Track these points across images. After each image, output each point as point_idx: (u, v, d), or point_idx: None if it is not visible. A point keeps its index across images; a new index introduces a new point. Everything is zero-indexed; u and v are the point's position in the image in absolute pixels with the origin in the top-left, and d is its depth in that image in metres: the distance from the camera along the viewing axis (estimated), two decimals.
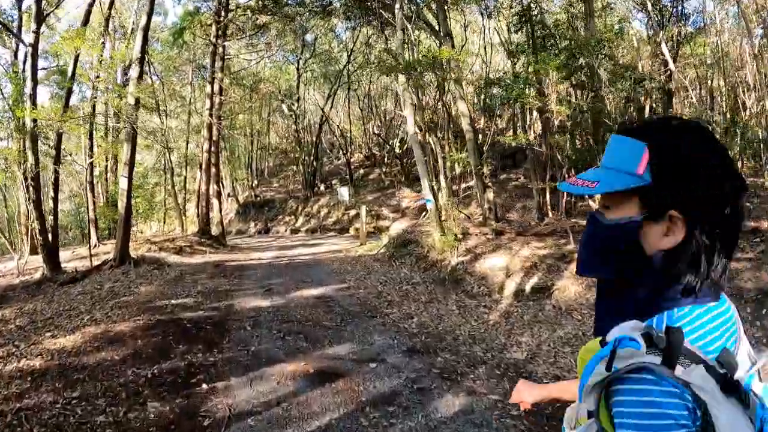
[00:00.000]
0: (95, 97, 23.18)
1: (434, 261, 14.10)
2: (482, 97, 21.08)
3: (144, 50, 17.17)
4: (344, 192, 31.73)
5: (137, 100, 16.44)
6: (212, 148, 25.06)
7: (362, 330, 8.62)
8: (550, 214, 17.07)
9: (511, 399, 1.87)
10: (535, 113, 21.16)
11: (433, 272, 13.52)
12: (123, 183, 16.38)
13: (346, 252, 19.64)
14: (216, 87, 24.89)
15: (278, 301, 10.75)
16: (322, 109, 36.06)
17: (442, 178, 20.34)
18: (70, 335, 8.52)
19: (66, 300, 11.85)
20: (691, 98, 20.49)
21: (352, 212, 31.08)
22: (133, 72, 17.08)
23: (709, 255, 1.13)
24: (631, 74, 15.24)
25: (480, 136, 19.91)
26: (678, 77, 18.98)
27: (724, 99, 20.58)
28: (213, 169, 25.73)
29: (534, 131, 22.74)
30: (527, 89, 14.81)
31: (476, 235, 15.37)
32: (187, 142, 33.07)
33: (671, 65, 17.72)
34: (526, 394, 1.83)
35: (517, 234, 14.88)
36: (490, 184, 18.12)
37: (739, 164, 14.43)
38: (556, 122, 15.28)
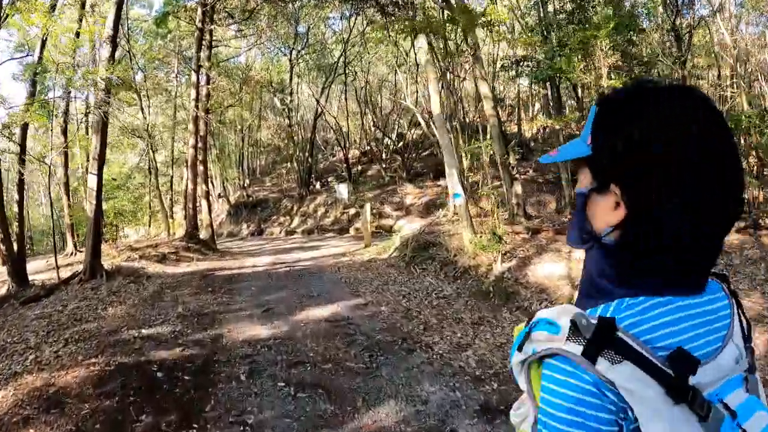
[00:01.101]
0: (69, 89, 20.40)
1: (465, 267, 11.53)
2: (511, 74, 18.19)
3: (117, 26, 14.46)
4: (343, 189, 28.99)
5: (108, 85, 13.70)
6: (199, 144, 22.37)
7: (404, 373, 6.07)
8: None
9: None
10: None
11: (467, 282, 10.97)
12: (91, 181, 13.64)
13: (351, 256, 17.07)
14: (203, 77, 22.22)
15: (281, 328, 8.11)
16: (317, 101, 33.34)
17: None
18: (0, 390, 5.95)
19: (18, 327, 9.28)
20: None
21: (351, 211, 28.54)
22: (104, 51, 14.34)
23: (663, 237, 0.94)
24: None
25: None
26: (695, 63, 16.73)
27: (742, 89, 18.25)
28: (200, 167, 23.06)
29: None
30: (574, 62, 12.22)
31: (508, 234, 12.86)
32: (173, 140, 30.25)
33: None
34: None
35: (555, 233, 12.38)
36: (517, 175, 15.55)
37: None
38: None
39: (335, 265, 14.99)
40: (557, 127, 13.54)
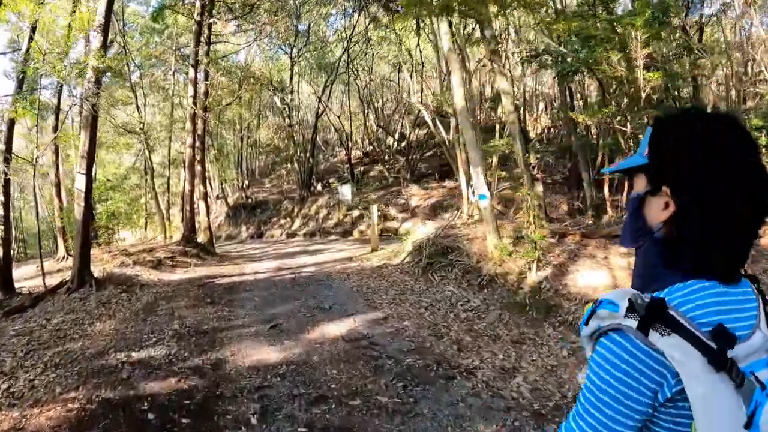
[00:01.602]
0: (60, 84, 19.24)
1: (491, 275, 10.39)
2: (533, 67, 16.96)
3: (109, 15, 13.28)
4: (346, 191, 27.80)
5: (98, 74, 12.54)
6: (197, 143, 21.20)
7: (448, 410, 4.98)
8: (610, 212, 13.55)
9: None
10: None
11: (496, 291, 9.83)
12: (80, 181, 12.42)
13: (358, 261, 15.93)
14: (201, 74, 21.07)
15: (293, 350, 6.94)
16: (319, 99, 32.12)
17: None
18: None
19: None
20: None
21: (355, 213, 27.40)
22: (95, 41, 13.24)
23: (699, 231, 1.15)
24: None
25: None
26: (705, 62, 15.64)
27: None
28: (198, 168, 21.88)
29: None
30: (608, 53, 11.09)
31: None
32: (171, 139, 29.02)
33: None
34: None
35: (582, 236, 11.23)
36: (539, 176, 14.41)
37: None
38: (643, 94, 11.63)
39: (344, 272, 13.85)
40: (589, 122, 12.35)
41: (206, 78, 21.31)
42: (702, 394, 1.01)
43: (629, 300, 1.09)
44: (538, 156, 14.44)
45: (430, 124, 24.41)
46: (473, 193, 16.88)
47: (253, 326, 8.25)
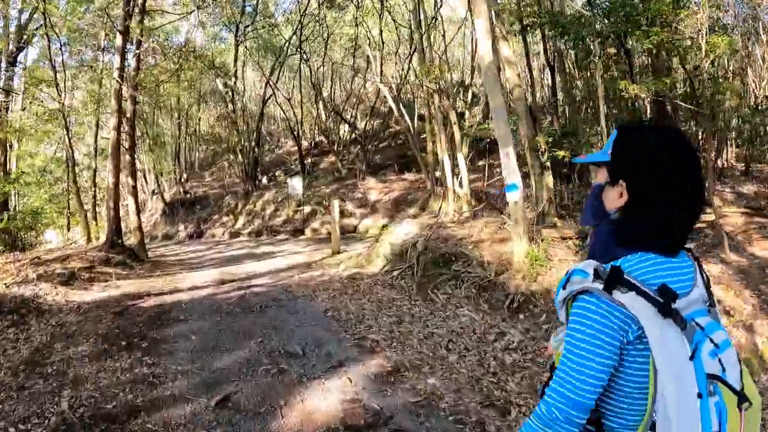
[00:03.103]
0: None
1: (525, 294, 7.43)
2: (549, 34, 13.73)
3: None
4: (296, 184, 24.29)
5: None
6: (125, 128, 17.54)
7: None
8: None
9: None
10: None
11: (537, 317, 6.93)
12: None
13: (320, 268, 12.82)
14: (133, 45, 17.41)
15: None
16: (267, 81, 28.40)
17: (461, 156, 13.70)
18: None
19: None
20: None
21: (307, 209, 24.10)
22: None
23: (645, 216, 1.50)
24: None
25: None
26: None
27: None
28: (127, 157, 18.20)
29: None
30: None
31: (554, 240, 8.87)
32: (98, 126, 24.87)
33: None
34: None
35: None
36: (548, 164, 11.49)
37: None
38: (706, 64, 8.89)
39: (306, 284, 10.70)
40: (642, 95, 9.41)
41: (139, 46, 17.55)
42: (657, 335, 1.34)
43: (594, 269, 1.43)
44: (549, 139, 11.51)
45: (394, 108, 21.46)
46: (460, 183, 13.91)
47: (190, 399, 4.95)
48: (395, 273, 10.43)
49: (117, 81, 15.97)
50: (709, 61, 9.20)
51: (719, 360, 1.37)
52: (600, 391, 1.41)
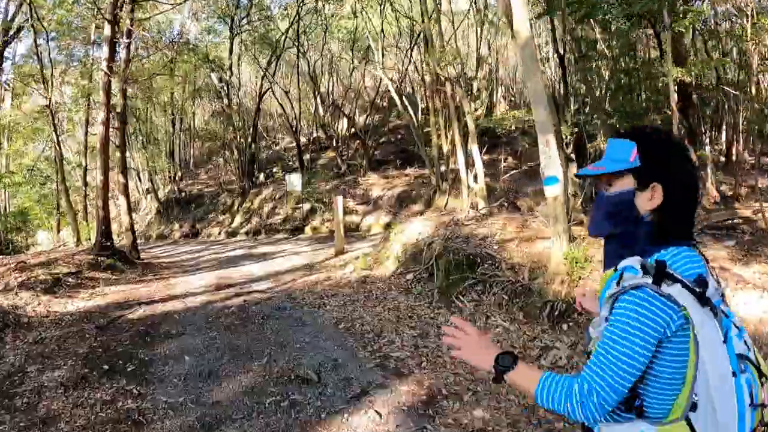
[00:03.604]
0: None
1: (569, 301, 6.46)
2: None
3: None
4: (295, 180, 23.21)
5: None
6: (115, 123, 16.54)
7: None
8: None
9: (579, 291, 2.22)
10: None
11: (583, 325, 5.87)
12: None
13: (324, 270, 11.94)
14: (123, 37, 16.33)
15: None
16: (264, 73, 27.31)
17: (475, 148, 12.71)
18: None
19: None
20: None
21: (306, 206, 23.05)
22: None
23: (678, 212, 1.61)
24: None
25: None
26: None
27: None
28: (118, 154, 17.20)
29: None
30: None
31: (584, 238, 7.88)
32: (88, 122, 23.71)
33: None
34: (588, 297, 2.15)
35: None
36: (573, 156, 10.53)
37: None
38: (753, 48, 8.00)
39: (311, 289, 9.78)
40: (687, 79, 8.42)
41: (129, 36, 16.47)
42: (699, 321, 1.41)
43: (641, 265, 1.50)
44: (576, 129, 10.56)
45: (397, 100, 20.45)
46: (475, 178, 12.94)
47: None
48: (410, 276, 9.47)
49: (105, 73, 14.93)
50: (756, 45, 8.29)
51: (744, 341, 1.52)
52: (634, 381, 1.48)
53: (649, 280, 1.44)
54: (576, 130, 10.78)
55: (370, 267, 11.07)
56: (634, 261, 1.52)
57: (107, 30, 15.12)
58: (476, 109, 22.13)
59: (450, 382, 5.05)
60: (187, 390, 5.03)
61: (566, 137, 10.54)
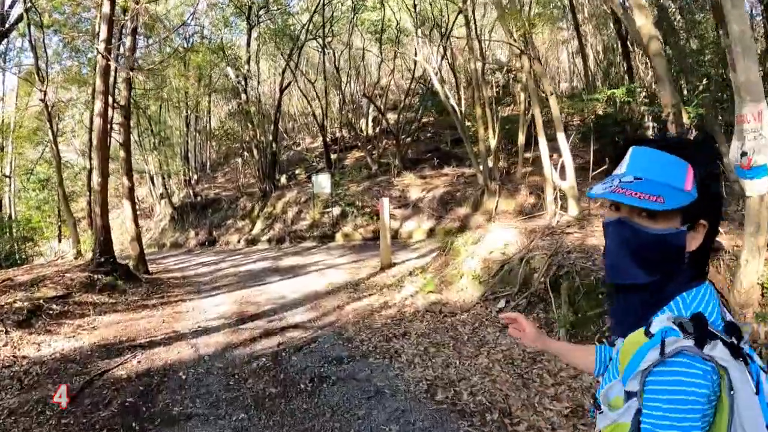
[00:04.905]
0: None
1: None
2: None
3: None
4: (324, 181, 20.61)
5: None
6: (116, 118, 14.13)
7: None
8: None
9: (509, 321, 1.84)
10: None
11: None
12: None
13: (376, 291, 9.39)
14: (129, 16, 13.93)
15: None
16: (286, 65, 24.76)
17: (561, 137, 10.05)
18: None
19: None
20: None
21: (336, 210, 20.41)
22: None
23: (708, 249, 1.28)
24: None
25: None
26: None
27: None
28: (122, 152, 14.78)
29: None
30: None
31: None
32: (91, 120, 21.37)
33: None
34: (529, 332, 1.78)
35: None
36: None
37: None
38: None
39: (369, 324, 7.18)
40: None
41: (134, 20, 14.01)
42: (739, 378, 1.10)
43: (678, 324, 1.15)
44: (700, 110, 7.96)
45: (440, 90, 17.75)
46: (562, 175, 10.27)
47: None
48: (502, 304, 6.86)
49: (103, 56, 12.42)
50: None
51: None
52: None
53: (691, 342, 1.12)
54: (700, 111, 8.15)
55: (438, 289, 8.46)
56: (667, 318, 1.18)
57: (106, 6, 12.60)
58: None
59: None
60: None
61: (690, 117, 7.89)
